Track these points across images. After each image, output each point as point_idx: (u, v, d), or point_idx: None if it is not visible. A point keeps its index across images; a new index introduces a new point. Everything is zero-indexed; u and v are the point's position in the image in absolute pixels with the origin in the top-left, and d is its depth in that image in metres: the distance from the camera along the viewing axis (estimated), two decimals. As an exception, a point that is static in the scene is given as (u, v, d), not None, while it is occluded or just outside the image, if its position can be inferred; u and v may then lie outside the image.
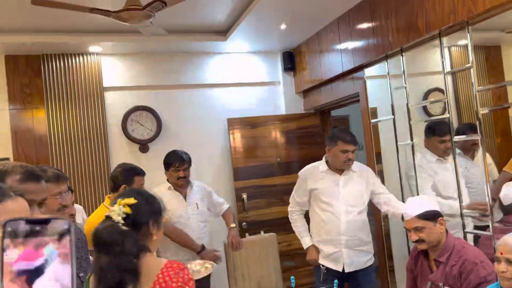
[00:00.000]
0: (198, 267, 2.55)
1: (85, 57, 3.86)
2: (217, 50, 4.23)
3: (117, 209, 1.52)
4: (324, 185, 2.77)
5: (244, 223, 4.12)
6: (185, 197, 3.23)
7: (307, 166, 2.93)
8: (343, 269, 2.73)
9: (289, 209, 2.99)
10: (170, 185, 3.21)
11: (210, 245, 3.28)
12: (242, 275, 3.37)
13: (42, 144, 3.69)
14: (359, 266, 2.75)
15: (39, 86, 3.72)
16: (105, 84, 3.93)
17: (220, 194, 4.26)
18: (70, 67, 3.81)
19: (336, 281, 2.22)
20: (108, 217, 1.50)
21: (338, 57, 3.66)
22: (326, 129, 4.57)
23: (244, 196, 4.15)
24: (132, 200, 1.54)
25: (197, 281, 3.13)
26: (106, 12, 2.30)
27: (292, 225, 2.97)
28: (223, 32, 3.93)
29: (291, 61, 4.46)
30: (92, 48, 3.79)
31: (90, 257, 2.34)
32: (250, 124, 4.27)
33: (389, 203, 2.76)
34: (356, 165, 2.81)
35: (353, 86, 3.66)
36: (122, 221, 1.48)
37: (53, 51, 3.74)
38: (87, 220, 2.69)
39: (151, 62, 4.09)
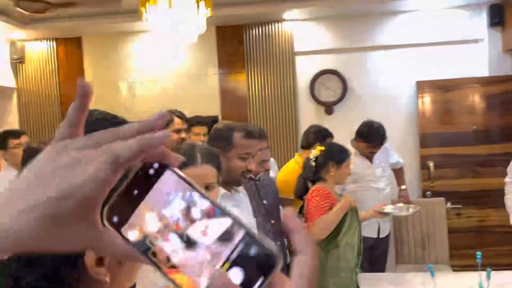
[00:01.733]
0: (403, 206, 2.78)
1: (279, 24, 4.17)
2: (408, 8, 3.97)
3: (314, 152, 2.46)
4: None
5: (428, 192, 3.93)
6: (371, 161, 3.30)
7: None
8: None
9: (505, 179, 2.85)
10: (356, 151, 3.29)
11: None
12: (407, 234, 3.48)
13: (242, 104, 4.23)
14: None
15: (241, 53, 4.22)
16: (296, 49, 4.18)
17: (404, 161, 4.16)
18: (266, 35, 4.19)
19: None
20: (308, 156, 2.49)
21: None
22: (541, 94, 3.86)
23: (431, 164, 3.93)
24: (322, 148, 2.45)
25: (383, 238, 3.27)
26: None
27: (505, 197, 2.85)
28: (418, -13, 3.66)
29: (499, 14, 3.86)
30: (286, 15, 4.06)
31: (281, 206, 2.67)
32: (443, 87, 3.94)
33: None
34: None
35: None
36: (314, 159, 2.41)
37: (253, 21, 4.16)
38: (279, 173, 3.02)
39: (339, 26, 4.14)
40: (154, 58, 4.23)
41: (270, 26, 4.19)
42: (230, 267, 0.32)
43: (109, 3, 3.69)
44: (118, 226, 0.34)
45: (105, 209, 0.34)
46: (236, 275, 0.32)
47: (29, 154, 2.19)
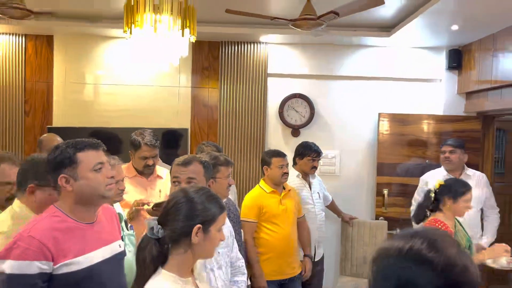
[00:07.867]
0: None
1: (255, 45, 4.29)
2: (377, 44, 4.22)
3: (435, 184, 2.64)
4: None
5: (380, 218, 4.19)
6: (309, 186, 3.51)
7: None
8: None
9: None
10: (298, 173, 3.50)
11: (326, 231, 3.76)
12: (351, 251, 3.95)
13: (213, 119, 4.31)
14: None
15: (216, 68, 4.30)
16: (269, 70, 4.32)
17: (361, 187, 4.42)
18: (242, 53, 4.30)
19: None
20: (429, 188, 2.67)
21: (515, 63, 3.33)
22: (487, 135, 4.23)
23: (385, 191, 4.19)
24: (442, 182, 2.61)
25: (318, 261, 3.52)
26: (285, 21, 2.58)
27: None
28: (388, 28, 3.90)
29: (457, 59, 4.19)
30: (263, 38, 4.18)
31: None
32: (402, 121, 4.22)
33: None
34: None
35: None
36: (433, 192, 2.59)
37: (230, 39, 4.25)
38: (246, 196, 3.14)
39: (312, 53, 4.32)
40: (126, 64, 4.22)
41: (246, 45, 4.30)
42: None
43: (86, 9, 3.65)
44: None
45: None
46: None
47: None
